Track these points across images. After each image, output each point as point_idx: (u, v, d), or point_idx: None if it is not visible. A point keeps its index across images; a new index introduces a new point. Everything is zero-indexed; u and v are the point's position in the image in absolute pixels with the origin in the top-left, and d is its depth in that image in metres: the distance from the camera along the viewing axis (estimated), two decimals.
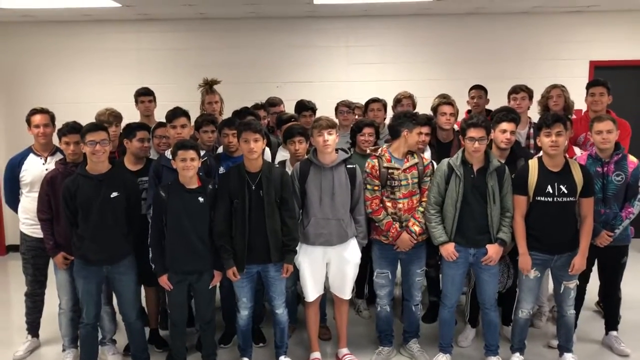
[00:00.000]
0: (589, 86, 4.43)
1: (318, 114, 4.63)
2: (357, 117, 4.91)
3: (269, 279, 3.55)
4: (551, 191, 3.40)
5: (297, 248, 3.57)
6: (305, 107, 4.97)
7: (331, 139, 3.48)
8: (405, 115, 3.70)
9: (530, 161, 3.57)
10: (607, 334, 4.00)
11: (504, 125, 3.66)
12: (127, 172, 3.74)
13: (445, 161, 3.57)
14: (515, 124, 3.70)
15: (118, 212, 3.40)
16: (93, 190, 3.34)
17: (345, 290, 3.73)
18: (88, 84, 6.56)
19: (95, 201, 3.33)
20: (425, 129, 4.02)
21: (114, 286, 3.55)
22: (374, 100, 4.88)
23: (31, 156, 3.91)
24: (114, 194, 3.38)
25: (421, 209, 3.60)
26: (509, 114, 3.74)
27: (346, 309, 3.85)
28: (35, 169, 3.85)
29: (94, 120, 3.91)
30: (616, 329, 3.98)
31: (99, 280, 3.48)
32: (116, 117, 4.42)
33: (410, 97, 4.94)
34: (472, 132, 3.41)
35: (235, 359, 3.76)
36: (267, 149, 4.19)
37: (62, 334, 3.85)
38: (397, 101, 4.90)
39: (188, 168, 3.33)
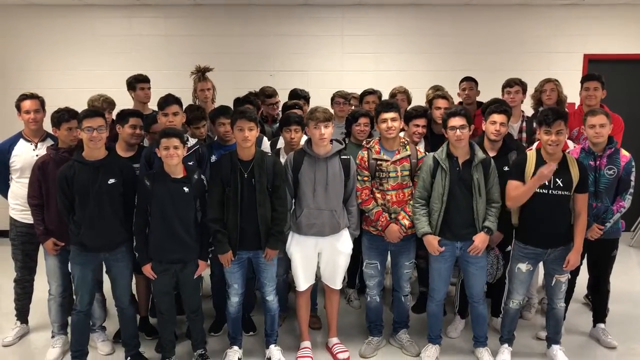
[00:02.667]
0: (583, 80, 4.43)
1: (312, 104, 4.61)
2: (353, 107, 4.89)
3: (260, 264, 3.56)
4: (547, 183, 3.40)
5: (289, 237, 3.58)
6: (298, 96, 4.95)
7: (327, 132, 3.47)
8: (376, 107, 3.72)
9: (529, 152, 3.58)
10: (594, 326, 4.04)
11: (495, 117, 3.67)
12: (122, 158, 3.70)
13: (430, 155, 3.57)
14: (506, 116, 3.70)
15: (115, 198, 3.37)
16: (90, 176, 3.31)
17: (336, 280, 3.73)
18: (79, 70, 6.49)
19: (93, 188, 3.30)
20: (421, 121, 4.02)
21: (109, 272, 3.53)
22: (369, 93, 4.86)
23: (21, 142, 3.88)
24: (111, 181, 3.35)
25: (412, 202, 3.59)
26: (501, 106, 3.74)
27: (337, 298, 3.86)
28: (25, 155, 3.83)
29: (85, 106, 3.87)
30: (604, 322, 4.02)
31: (95, 267, 3.46)
32: (110, 103, 4.37)
33: (405, 92, 4.93)
34: (452, 122, 3.42)
35: (226, 347, 3.76)
36: (265, 139, 4.18)
37: (52, 320, 3.84)
38: (392, 96, 4.90)
39: (171, 156, 3.30)
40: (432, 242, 3.49)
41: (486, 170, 3.47)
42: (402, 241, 3.62)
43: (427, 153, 3.72)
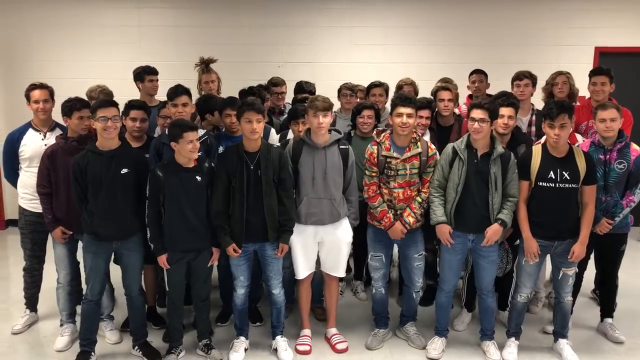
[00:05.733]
0: (591, 74, 4.38)
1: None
2: (359, 99, 4.87)
3: (266, 257, 3.57)
4: (553, 177, 3.39)
5: None
6: (303, 90, 4.95)
7: (326, 121, 3.47)
8: (393, 99, 3.67)
9: (534, 147, 3.56)
10: (602, 321, 4.02)
11: (502, 110, 3.62)
12: (135, 148, 3.72)
13: (450, 145, 3.55)
14: (513, 109, 3.67)
15: (128, 188, 3.39)
16: (103, 166, 3.32)
17: (338, 268, 3.73)
18: (87, 60, 6.51)
19: (106, 177, 3.32)
20: (424, 112, 3.99)
21: (121, 260, 3.55)
22: (376, 85, 4.83)
23: (30, 131, 3.89)
24: (124, 171, 3.36)
25: (419, 199, 3.57)
26: (508, 99, 3.72)
27: (336, 288, 3.87)
28: (34, 144, 3.85)
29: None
30: (611, 316, 3.99)
31: (107, 256, 3.49)
32: (107, 94, 4.37)
33: (411, 83, 4.89)
34: (473, 113, 3.41)
35: (232, 337, 3.77)
36: (273, 131, 4.17)
37: (60, 308, 3.86)
38: (399, 88, 4.87)
39: (195, 149, 3.34)
40: (444, 232, 3.47)
41: (505, 165, 3.43)
42: (408, 233, 3.61)
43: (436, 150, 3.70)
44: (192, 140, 3.31)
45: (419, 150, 3.55)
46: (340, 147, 3.61)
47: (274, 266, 3.59)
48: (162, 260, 3.43)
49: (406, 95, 3.66)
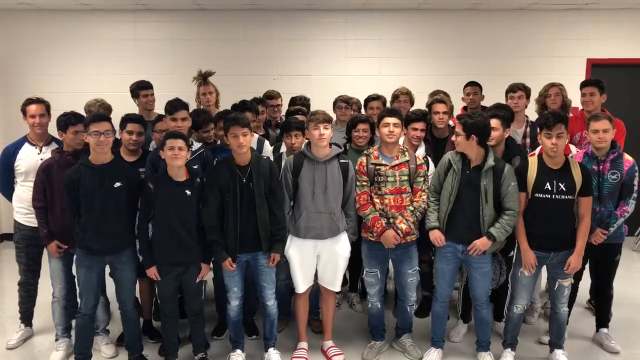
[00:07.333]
0: (581, 86, 4.42)
1: (315, 108, 4.63)
2: (354, 112, 4.90)
3: (259, 267, 3.56)
4: (550, 188, 3.40)
5: (288, 240, 3.60)
6: (295, 105, 4.98)
7: (327, 133, 3.49)
8: (379, 114, 3.73)
9: (530, 158, 3.58)
10: (597, 331, 4.02)
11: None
12: (127, 162, 3.73)
13: (448, 153, 3.59)
14: (498, 120, 3.68)
15: (121, 202, 3.39)
16: (96, 180, 3.33)
17: (335, 282, 3.73)
18: (85, 74, 6.53)
19: (98, 191, 3.32)
20: (419, 125, 4.02)
21: (114, 274, 3.54)
22: (374, 98, 4.86)
23: (26, 145, 3.90)
24: (117, 184, 3.37)
25: (411, 208, 3.59)
26: (495, 110, 3.76)
27: (333, 301, 3.87)
28: (30, 159, 3.85)
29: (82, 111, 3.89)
30: (607, 326, 4.00)
31: (100, 270, 3.48)
32: (106, 108, 4.37)
33: (407, 93, 4.93)
34: (456, 127, 3.47)
35: (228, 350, 3.76)
36: (267, 142, 4.19)
37: (55, 322, 3.85)
38: (395, 97, 4.90)
39: (177, 157, 3.32)
40: (437, 236, 3.52)
41: (497, 177, 3.44)
42: (402, 248, 3.62)
43: (427, 159, 3.74)
44: (172, 146, 3.31)
45: (407, 158, 3.60)
46: (341, 161, 3.63)
47: (267, 275, 3.59)
48: (152, 272, 3.44)
49: (391, 108, 3.82)
